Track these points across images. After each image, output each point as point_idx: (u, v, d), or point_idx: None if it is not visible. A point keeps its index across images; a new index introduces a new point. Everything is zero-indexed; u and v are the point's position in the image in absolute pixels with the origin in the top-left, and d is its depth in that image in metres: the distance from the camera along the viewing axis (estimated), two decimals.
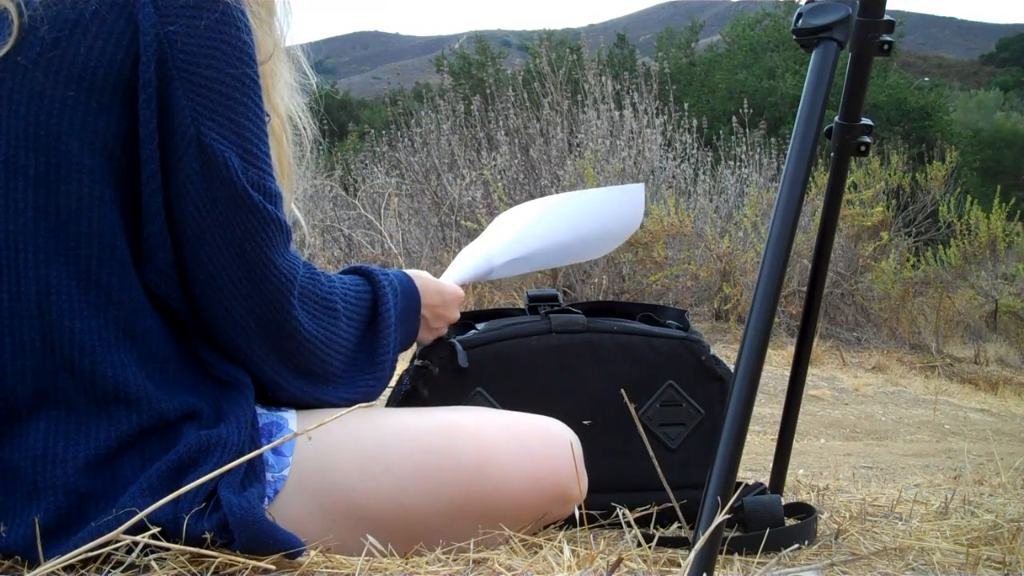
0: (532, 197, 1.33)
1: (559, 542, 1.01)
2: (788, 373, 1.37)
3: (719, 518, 0.84)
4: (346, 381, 1.03)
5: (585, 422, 1.26)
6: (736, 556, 1.08)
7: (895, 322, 6.50)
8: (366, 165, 7.09)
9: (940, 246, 7.07)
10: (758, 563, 1.04)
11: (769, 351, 1.86)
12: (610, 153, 5.91)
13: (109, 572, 0.83)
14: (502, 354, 1.28)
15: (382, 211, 5.71)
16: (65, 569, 0.81)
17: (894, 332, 6.44)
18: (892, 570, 1.05)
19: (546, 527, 1.09)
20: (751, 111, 7.48)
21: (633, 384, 1.28)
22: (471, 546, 0.98)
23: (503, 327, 1.30)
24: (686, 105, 7.27)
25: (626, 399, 1.19)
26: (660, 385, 1.30)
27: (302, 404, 1.01)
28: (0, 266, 0.86)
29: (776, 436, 1.40)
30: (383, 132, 7.08)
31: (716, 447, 0.90)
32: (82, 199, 0.87)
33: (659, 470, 1.15)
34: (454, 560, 0.95)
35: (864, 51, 1.15)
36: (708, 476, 0.89)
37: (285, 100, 1.08)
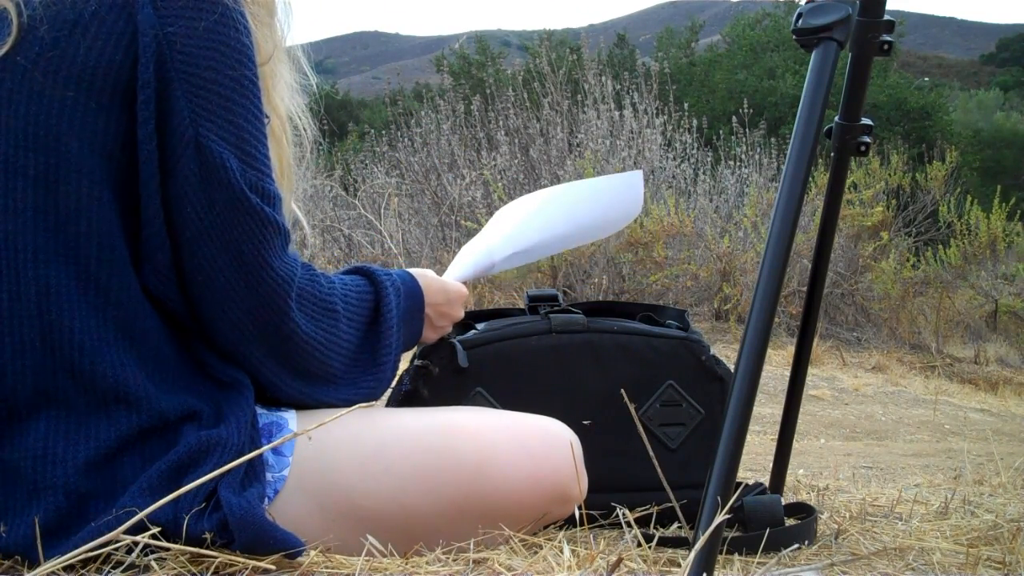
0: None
1: (559, 542, 1.01)
2: (788, 373, 1.37)
3: (719, 518, 0.84)
4: (347, 382, 1.03)
5: (585, 422, 1.26)
6: (736, 556, 1.08)
7: (895, 322, 6.49)
8: (366, 165, 7.09)
9: (940, 246, 7.07)
10: (758, 563, 1.04)
11: (769, 351, 1.86)
12: (610, 153, 5.91)
13: (109, 572, 0.83)
14: (502, 354, 1.28)
15: (382, 211, 5.71)
16: (65, 569, 0.81)
17: (894, 332, 6.44)
18: (892, 570, 1.05)
19: (546, 527, 1.09)
20: (751, 111, 7.48)
21: (633, 384, 1.28)
22: (471, 546, 0.98)
23: (503, 327, 1.30)
24: (686, 105, 7.27)
25: (626, 399, 1.19)
26: (660, 385, 1.30)
27: (302, 405, 1.01)
28: (0, 266, 0.86)
29: (776, 436, 1.40)
30: (383, 132, 7.08)
31: (716, 447, 0.90)
32: (81, 199, 0.87)
33: (659, 470, 1.15)
34: (454, 560, 0.95)
35: (864, 51, 1.15)
36: (708, 476, 0.89)
37: (285, 101, 1.08)
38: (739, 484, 1.27)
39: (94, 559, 0.83)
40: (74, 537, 0.83)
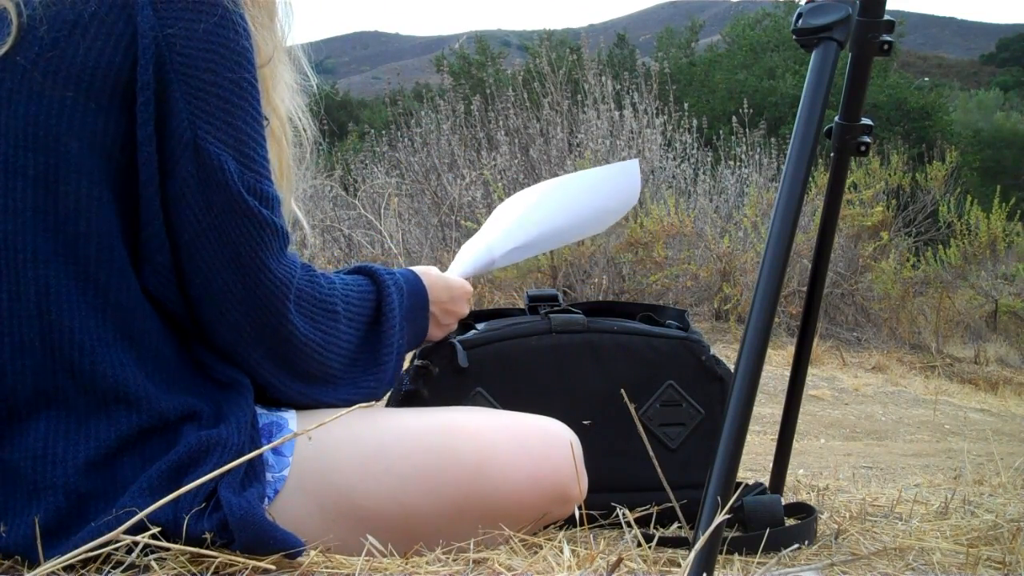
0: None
1: (559, 542, 1.01)
2: (788, 373, 1.37)
3: (719, 518, 0.84)
4: (347, 382, 1.03)
5: (585, 422, 1.26)
6: (736, 556, 1.08)
7: (895, 322, 6.49)
8: (366, 165, 7.08)
9: (940, 246, 7.06)
10: (758, 563, 1.04)
11: (769, 351, 1.86)
12: (610, 153, 5.91)
13: (109, 572, 0.83)
14: (502, 354, 1.28)
15: (382, 211, 5.71)
16: (65, 569, 0.81)
17: (894, 332, 6.44)
18: (892, 570, 1.05)
19: (546, 527, 1.09)
20: (751, 111, 7.48)
21: (633, 384, 1.28)
22: (471, 546, 0.98)
23: (503, 327, 1.30)
24: (686, 105, 7.27)
25: (626, 399, 1.19)
26: (660, 385, 1.30)
27: (301, 405, 1.01)
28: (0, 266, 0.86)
29: (776, 436, 1.40)
30: (383, 132, 7.08)
31: (716, 447, 0.90)
32: (80, 200, 0.87)
33: (659, 470, 1.15)
34: (454, 560, 0.95)
35: (864, 51, 1.15)
36: (708, 476, 0.89)
37: (285, 102, 1.08)
38: (739, 484, 1.27)
39: (94, 559, 0.83)
40: (74, 537, 0.83)
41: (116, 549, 0.82)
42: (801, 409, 1.39)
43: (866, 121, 1.23)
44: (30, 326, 0.86)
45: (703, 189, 6.57)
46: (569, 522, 1.11)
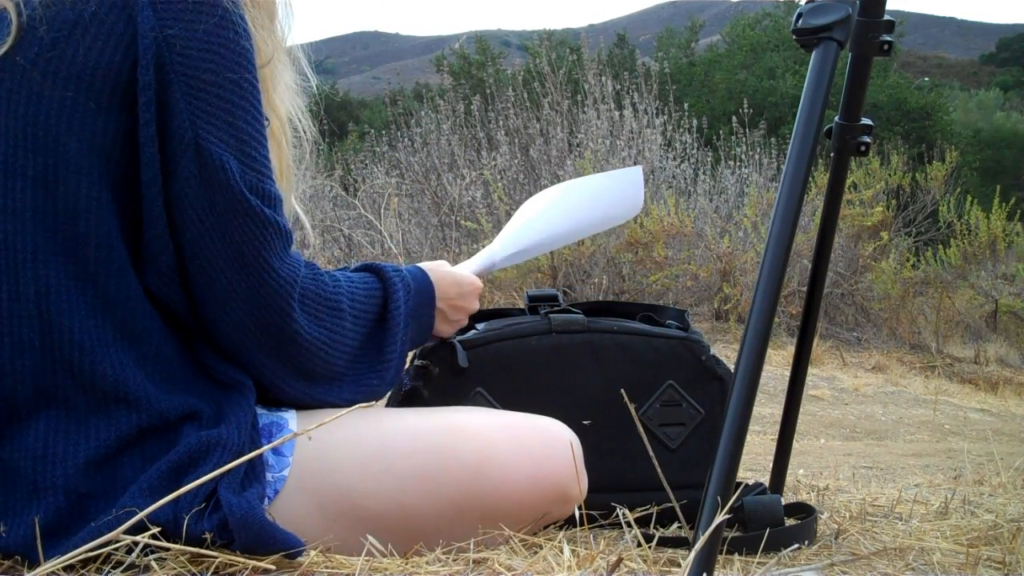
0: (529, 198, 1.35)
1: (559, 542, 1.01)
2: (788, 373, 1.37)
3: (719, 518, 0.84)
4: (351, 379, 1.03)
5: (585, 422, 1.26)
6: (736, 556, 1.08)
7: (895, 322, 6.49)
8: (366, 165, 7.08)
9: (940, 246, 7.06)
10: (758, 563, 1.04)
11: (769, 351, 1.86)
12: (610, 153, 5.91)
13: (109, 572, 0.83)
14: (502, 354, 1.28)
15: (382, 211, 5.71)
16: (65, 569, 0.81)
17: (894, 332, 6.44)
18: (892, 570, 1.05)
19: (546, 527, 1.09)
20: (751, 111, 7.48)
21: (633, 384, 1.28)
22: (471, 546, 0.98)
23: (503, 327, 1.30)
24: (686, 105, 7.27)
25: (626, 399, 1.19)
26: (660, 385, 1.30)
27: (305, 405, 1.01)
28: None
29: (776, 436, 1.40)
30: (383, 132, 7.08)
31: (716, 447, 0.90)
32: (80, 200, 0.87)
33: (659, 470, 1.15)
34: (454, 560, 0.95)
35: (864, 51, 1.15)
36: (708, 476, 0.89)
37: (285, 103, 1.08)
38: (739, 484, 1.27)
39: (94, 559, 0.83)
40: (74, 537, 0.83)
41: (116, 549, 0.82)
42: (801, 409, 1.39)
43: (866, 121, 1.23)
44: (30, 326, 0.86)
45: (703, 189, 6.57)
46: (569, 522, 1.11)
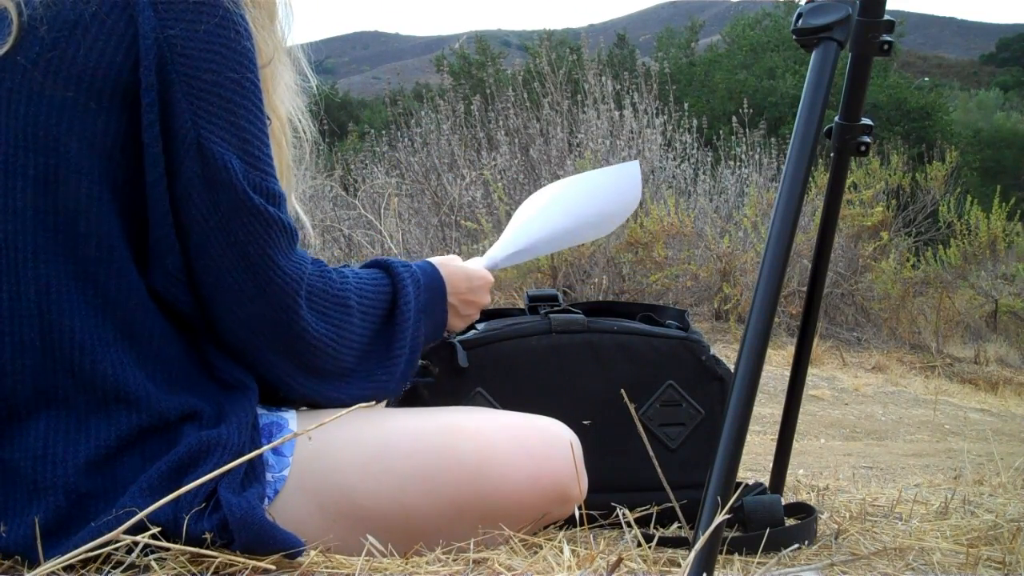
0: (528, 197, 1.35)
1: (559, 542, 1.01)
2: (788, 373, 1.37)
3: (719, 518, 0.84)
4: (360, 376, 1.02)
5: (585, 422, 1.26)
6: (736, 556, 1.08)
7: (895, 322, 6.50)
8: (366, 165, 7.08)
9: (940, 246, 7.06)
10: (758, 563, 1.04)
11: (769, 351, 1.86)
12: (610, 153, 5.91)
13: (109, 572, 0.83)
14: (502, 354, 1.28)
15: (382, 211, 5.71)
16: (65, 569, 0.81)
17: (894, 332, 6.44)
18: (892, 570, 1.05)
19: (546, 527, 1.09)
20: (751, 111, 7.48)
21: (633, 384, 1.28)
22: (471, 546, 0.98)
23: (503, 327, 1.30)
24: (686, 105, 7.27)
25: (626, 399, 1.19)
26: (660, 385, 1.30)
27: (315, 403, 1.01)
28: (0, 266, 0.86)
29: (776, 436, 1.40)
30: (383, 132, 7.08)
31: (716, 447, 0.90)
32: (80, 200, 0.87)
33: (659, 470, 1.15)
34: (454, 560, 0.95)
35: (864, 51, 1.15)
36: (708, 476, 0.89)
37: (286, 103, 1.08)
38: (739, 484, 1.27)
39: (94, 559, 0.83)
40: (74, 537, 0.83)
41: (116, 549, 0.82)
42: (801, 409, 1.39)
43: (866, 121, 1.23)
44: (30, 326, 0.86)
45: (703, 189, 6.57)
46: (569, 522, 1.11)
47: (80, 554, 0.80)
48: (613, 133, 6.11)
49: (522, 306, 1.40)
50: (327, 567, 0.90)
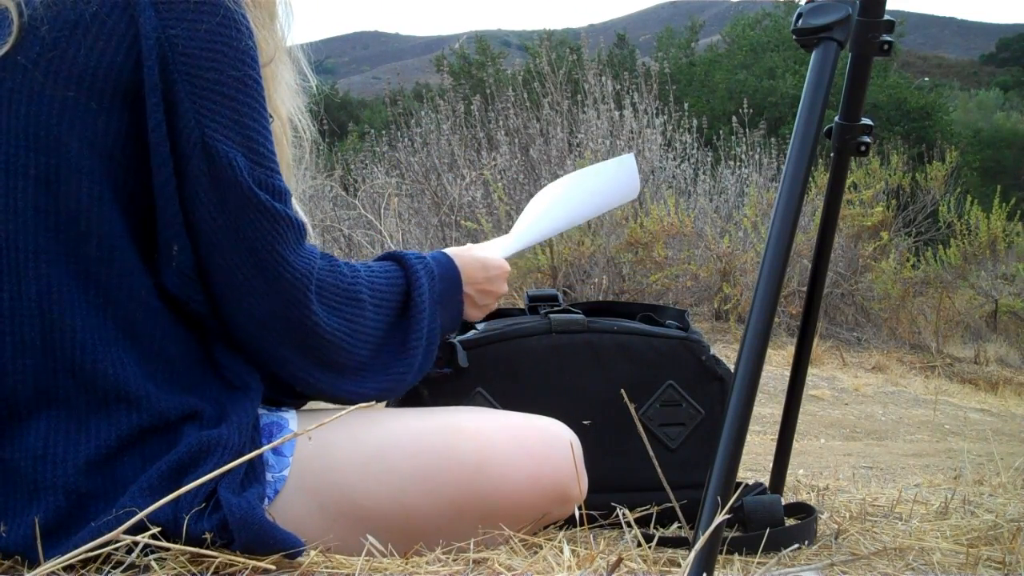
0: (532, 197, 1.35)
1: (559, 542, 1.01)
2: (788, 373, 1.37)
3: (719, 518, 0.84)
4: (377, 369, 1.02)
5: (585, 422, 1.26)
6: (736, 556, 1.08)
7: (895, 322, 6.50)
8: (366, 165, 7.08)
9: (940, 246, 7.06)
10: (758, 563, 1.04)
11: (769, 351, 1.86)
12: (610, 153, 5.91)
13: (109, 572, 0.83)
14: (502, 354, 1.28)
15: (382, 211, 5.71)
16: (65, 569, 0.81)
17: (894, 332, 6.44)
18: (892, 570, 1.05)
19: (546, 527, 1.09)
20: (751, 111, 7.48)
21: (633, 384, 1.28)
22: (471, 546, 0.98)
23: (503, 327, 1.30)
24: (686, 105, 7.27)
25: (626, 399, 1.19)
26: (660, 385, 1.30)
27: (334, 398, 1.01)
28: (0, 266, 0.86)
29: (776, 436, 1.40)
30: (383, 132, 7.08)
31: (716, 447, 0.90)
32: (81, 199, 0.87)
33: (659, 470, 1.15)
34: (454, 560, 0.95)
35: (864, 51, 1.15)
36: (708, 476, 0.89)
37: (286, 103, 1.08)
38: (739, 484, 1.27)
39: (94, 559, 0.83)
40: (74, 537, 0.83)
41: (116, 549, 0.82)
42: (801, 409, 1.39)
43: (866, 121, 1.23)
44: (31, 325, 0.86)
45: (703, 189, 6.57)
46: (569, 522, 1.11)
47: (80, 554, 0.80)
48: (613, 133, 6.11)
49: (522, 306, 1.40)
50: (327, 567, 0.90)
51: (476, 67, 14.30)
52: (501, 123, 6.35)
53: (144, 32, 0.86)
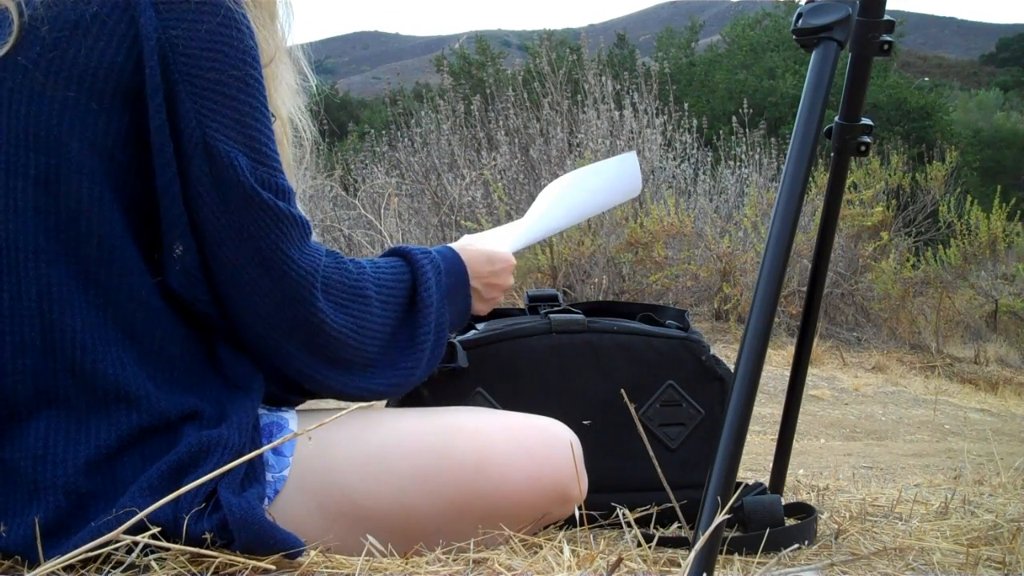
0: (532, 197, 1.36)
1: (559, 542, 1.01)
2: (788, 373, 1.37)
3: (719, 518, 0.84)
4: (385, 365, 1.02)
5: (585, 422, 1.26)
6: (736, 556, 1.08)
7: (895, 322, 6.49)
8: (366, 165, 7.08)
9: (940, 246, 7.06)
10: (758, 563, 1.04)
11: (769, 351, 1.86)
12: (610, 153, 5.91)
13: (109, 572, 0.83)
14: (502, 354, 1.28)
15: (382, 211, 5.71)
16: (65, 569, 0.81)
17: (894, 332, 6.44)
18: (892, 570, 1.05)
19: (546, 527, 1.09)
20: (751, 111, 7.48)
21: (633, 384, 1.28)
22: (471, 546, 0.98)
23: (503, 327, 1.30)
24: (686, 105, 7.27)
25: (626, 399, 1.19)
26: (660, 385, 1.30)
27: (344, 395, 1.01)
28: (0, 266, 0.86)
29: (776, 436, 1.40)
30: (383, 132, 7.08)
31: (716, 447, 0.90)
32: (81, 199, 0.87)
33: (659, 470, 1.15)
34: (454, 560, 0.95)
35: (864, 51, 1.15)
36: (708, 476, 0.89)
37: (287, 103, 1.08)
38: (739, 484, 1.27)
39: (94, 559, 0.83)
40: (74, 537, 0.83)
41: (116, 549, 0.82)
42: (801, 409, 1.39)
43: (866, 121, 1.23)
44: (31, 325, 0.86)
45: (703, 189, 6.57)
46: (569, 522, 1.11)
47: (80, 554, 0.80)
48: (613, 133, 6.11)
49: (522, 306, 1.40)
50: (327, 567, 0.90)
51: (476, 67, 14.30)
52: (501, 123, 6.35)
53: (145, 33, 0.86)
